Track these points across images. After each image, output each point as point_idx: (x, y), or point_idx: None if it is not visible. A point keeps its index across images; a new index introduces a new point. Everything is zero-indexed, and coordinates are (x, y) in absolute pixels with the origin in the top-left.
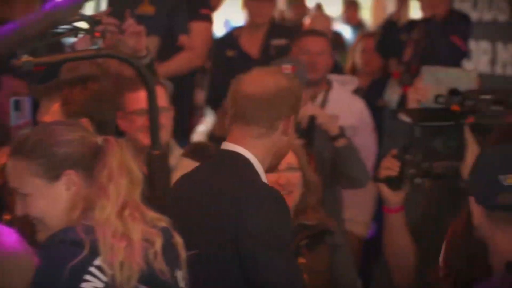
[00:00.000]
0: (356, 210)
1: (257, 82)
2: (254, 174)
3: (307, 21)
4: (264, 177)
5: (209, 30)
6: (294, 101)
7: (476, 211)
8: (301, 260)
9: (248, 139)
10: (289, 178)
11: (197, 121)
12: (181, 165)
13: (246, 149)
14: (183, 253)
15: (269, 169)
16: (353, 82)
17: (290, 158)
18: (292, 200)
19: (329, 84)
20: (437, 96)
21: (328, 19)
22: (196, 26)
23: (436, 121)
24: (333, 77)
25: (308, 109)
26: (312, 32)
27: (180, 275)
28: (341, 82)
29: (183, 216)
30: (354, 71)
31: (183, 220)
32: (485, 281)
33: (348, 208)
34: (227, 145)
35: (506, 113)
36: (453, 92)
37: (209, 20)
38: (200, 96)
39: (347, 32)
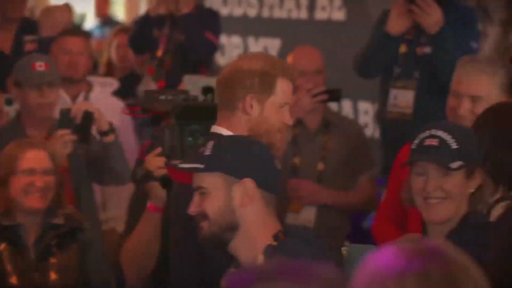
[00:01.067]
0: (118, 208)
1: (225, 67)
2: None
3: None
4: None
5: None
6: (253, 80)
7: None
8: (52, 260)
9: (224, 121)
10: (46, 181)
11: None
12: None
13: (227, 129)
14: None
15: None
16: (113, 84)
17: (45, 163)
18: (45, 201)
19: (89, 85)
20: (184, 98)
21: (65, 10)
22: None
23: (197, 120)
24: (94, 79)
25: (83, 105)
26: (73, 31)
27: None
28: (101, 83)
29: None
30: (110, 67)
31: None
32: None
33: (110, 206)
34: (214, 128)
35: None
36: (207, 90)
37: None
38: None
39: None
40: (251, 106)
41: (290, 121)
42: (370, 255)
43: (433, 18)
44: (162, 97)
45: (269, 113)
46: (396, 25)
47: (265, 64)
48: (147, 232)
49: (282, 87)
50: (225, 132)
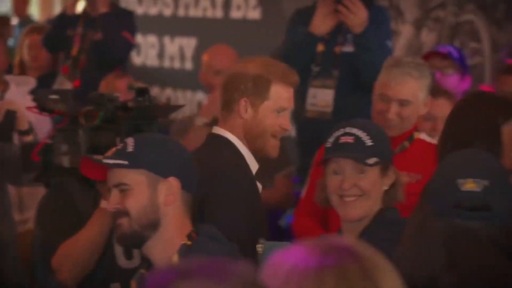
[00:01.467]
0: (35, 209)
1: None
2: (232, 153)
3: None
4: (249, 156)
5: None
6: (247, 84)
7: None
8: None
9: (224, 123)
10: None
11: None
12: None
13: (227, 131)
14: None
15: (259, 152)
16: (30, 82)
17: None
18: None
19: (5, 84)
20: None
21: None
22: None
23: (137, 120)
24: (10, 77)
25: (5, 104)
26: None
27: None
28: (17, 82)
29: None
30: (22, 67)
31: None
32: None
33: (27, 207)
34: (215, 129)
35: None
36: (142, 91)
37: None
38: None
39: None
40: (246, 110)
41: (288, 126)
42: (277, 253)
43: (359, 18)
44: (52, 96)
45: (264, 117)
46: (322, 25)
47: (261, 69)
48: (98, 232)
49: (278, 92)
50: (226, 133)
